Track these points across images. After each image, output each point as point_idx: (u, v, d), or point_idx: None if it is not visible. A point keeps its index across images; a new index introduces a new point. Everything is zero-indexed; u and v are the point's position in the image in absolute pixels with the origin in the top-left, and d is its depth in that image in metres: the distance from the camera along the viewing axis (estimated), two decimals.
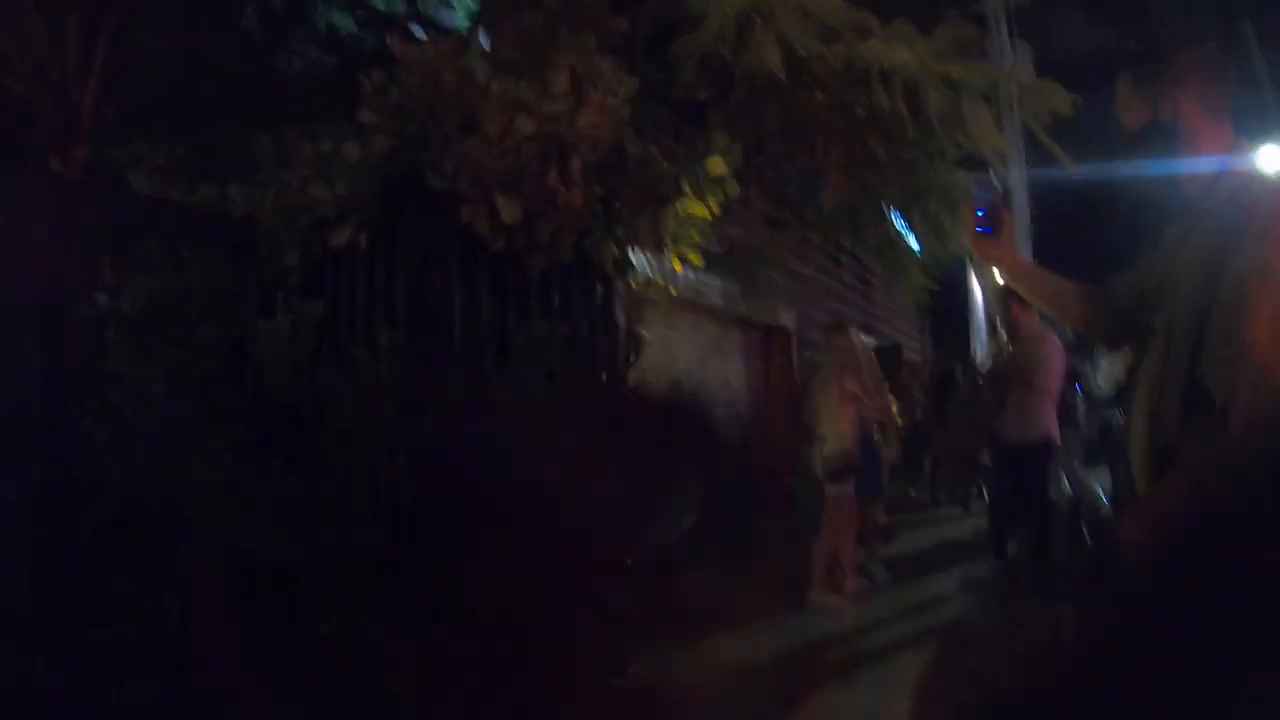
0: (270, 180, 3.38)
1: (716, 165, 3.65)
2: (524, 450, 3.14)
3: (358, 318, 3.39)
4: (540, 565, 3.30)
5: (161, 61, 4.34)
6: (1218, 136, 1.97)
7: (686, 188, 3.62)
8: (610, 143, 3.42)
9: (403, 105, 3.31)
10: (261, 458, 3.10)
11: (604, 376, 3.59)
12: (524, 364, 3.25)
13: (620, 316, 3.82)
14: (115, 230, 3.54)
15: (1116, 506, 2.08)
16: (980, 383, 9.69)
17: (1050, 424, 5.81)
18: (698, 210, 3.69)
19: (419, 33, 5.27)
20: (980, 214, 2.31)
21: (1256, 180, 1.94)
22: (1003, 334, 7.06)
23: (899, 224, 7.26)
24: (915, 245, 7.36)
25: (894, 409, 9.14)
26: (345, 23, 5.30)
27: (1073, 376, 6.24)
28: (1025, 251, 15.16)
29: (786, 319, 10.25)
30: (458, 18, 5.59)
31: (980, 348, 16.67)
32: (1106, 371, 6.48)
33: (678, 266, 4.03)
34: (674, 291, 4.53)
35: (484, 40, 4.33)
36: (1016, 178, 13.82)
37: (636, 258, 3.89)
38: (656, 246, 3.76)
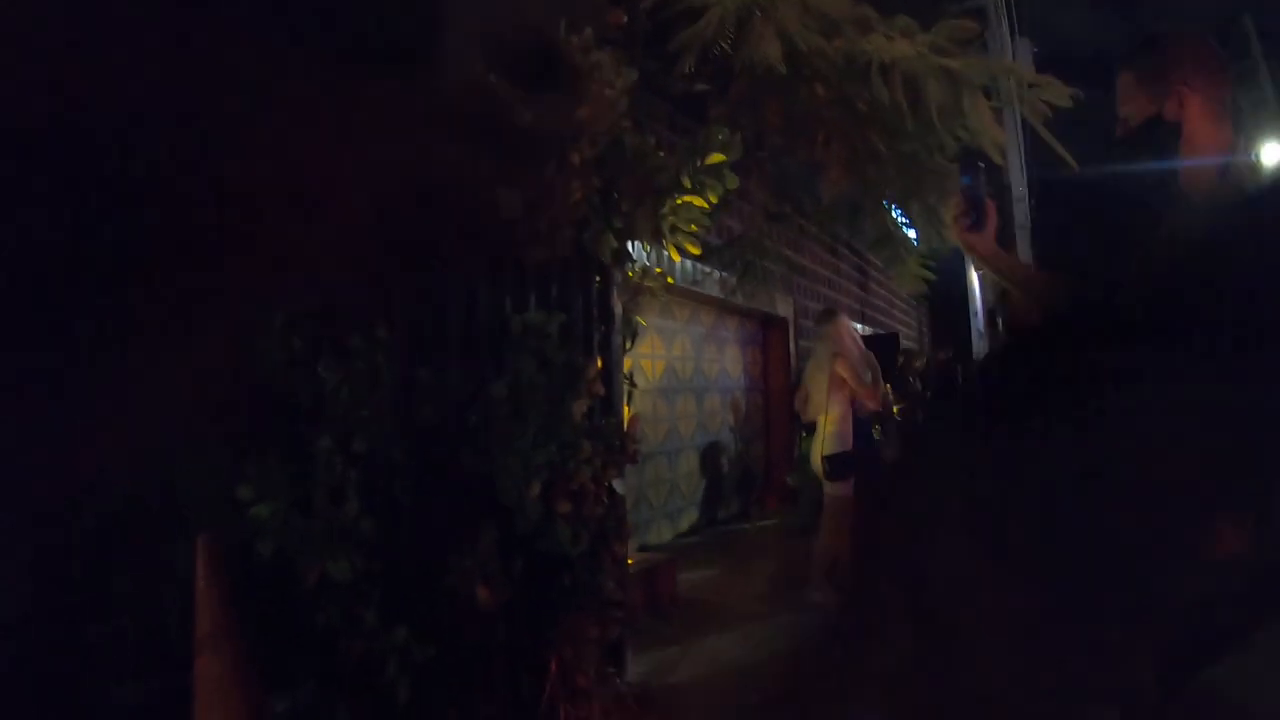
0: None
1: (715, 158, 3.66)
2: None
3: (356, 308, 3.39)
4: (539, 559, 3.31)
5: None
6: (1219, 134, 1.98)
7: (685, 180, 3.63)
8: (609, 135, 3.42)
9: None
10: (258, 450, 3.09)
11: (599, 365, 3.59)
12: (521, 353, 3.25)
13: (617, 306, 3.83)
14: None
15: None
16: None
17: None
18: (696, 202, 3.70)
19: None
20: (965, 204, 2.32)
21: (1257, 172, 1.95)
22: (1001, 326, 7.06)
23: (897, 216, 7.25)
24: (913, 237, 7.36)
25: (892, 402, 9.15)
26: None
27: None
28: (1025, 246, 15.16)
29: (784, 309, 10.26)
30: None
31: (979, 339, 16.68)
32: None
33: (675, 257, 4.04)
34: (671, 280, 4.54)
35: None
36: (1016, 173, 13.84)
37: (634, 248, 3.90)
38: (654, 238, 3.76)
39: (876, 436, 7.09)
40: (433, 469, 3.16)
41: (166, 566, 3.23)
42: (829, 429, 5.89)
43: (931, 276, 7.97)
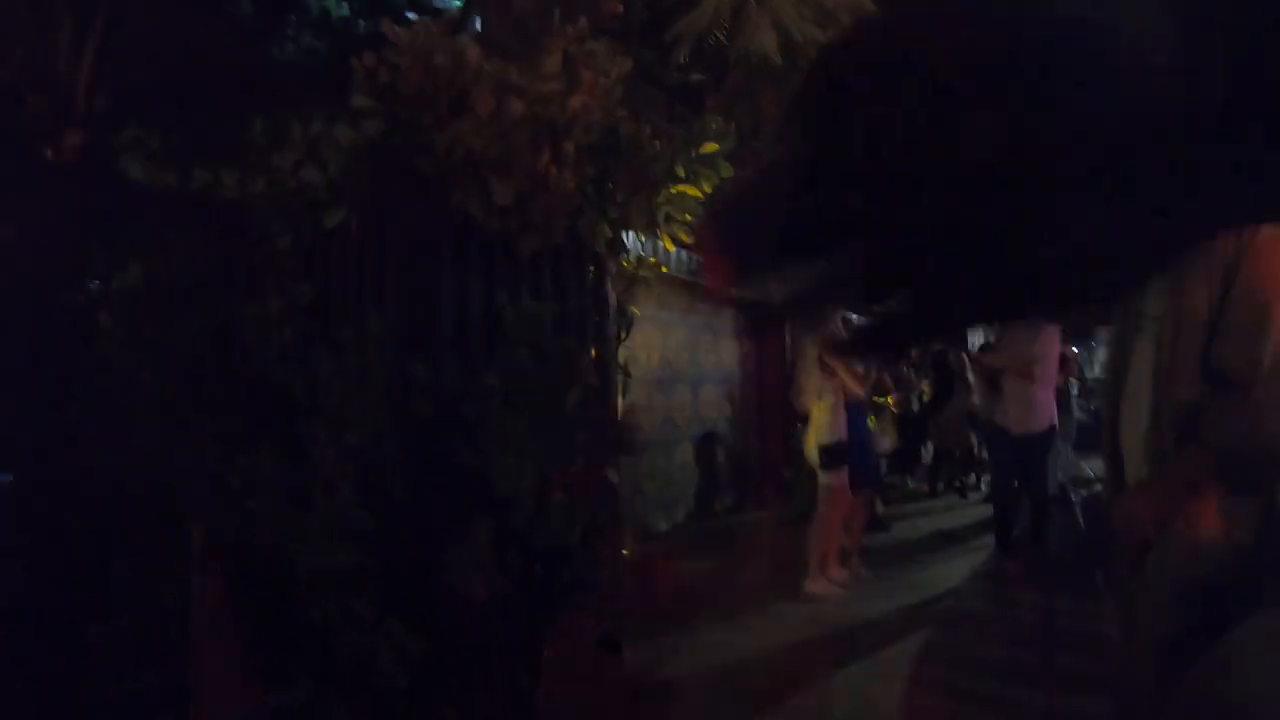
0: (262, 164, 3.37)
1: (710, 147, 3.65)
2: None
3: (349, 301, 3.39)
4: (534, 551, 3.30)
5: (154, 46, 4.32)
6: None
7: (680, 170, 3.62)
8: (603, 124, 3.41)
9: (394, 88, 3.29)
10: (252, 443, 3.09)
11: (594, 354, 3.58)
12: (514, 343, 3.24)
13: (611, 296, 3.82)
14: (106, 216, 3.54)
15: (1111, 492, 2.08)
16: (972, 369, 9.68)
17: (1052, 414, 5.84)
18: (691, 192, 3.69)
19: (412, 16, 5.25)
20: None
21: None
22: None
23: None
24: None
25: (889, 399, 9.14)
26: (338, 7, 5.28)
27: (1062, 363, 6.25)
28: None
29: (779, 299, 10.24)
30: (450, 0, 5.57)
31: (974, 331, 16.67)
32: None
33: (670, 247, 4.03)
34: (666, 270, 4.53)
35: (477, 22, 4.31)
36: None
37: (629, 238, 3.89)
38: (649, 227, 3.75)
39: (873, 427, 7.09)
40: (427, 461, 3.15)
41: (162, 560, 3.24)
42: (822, 419, 5.88)
43: None
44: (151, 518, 3.36)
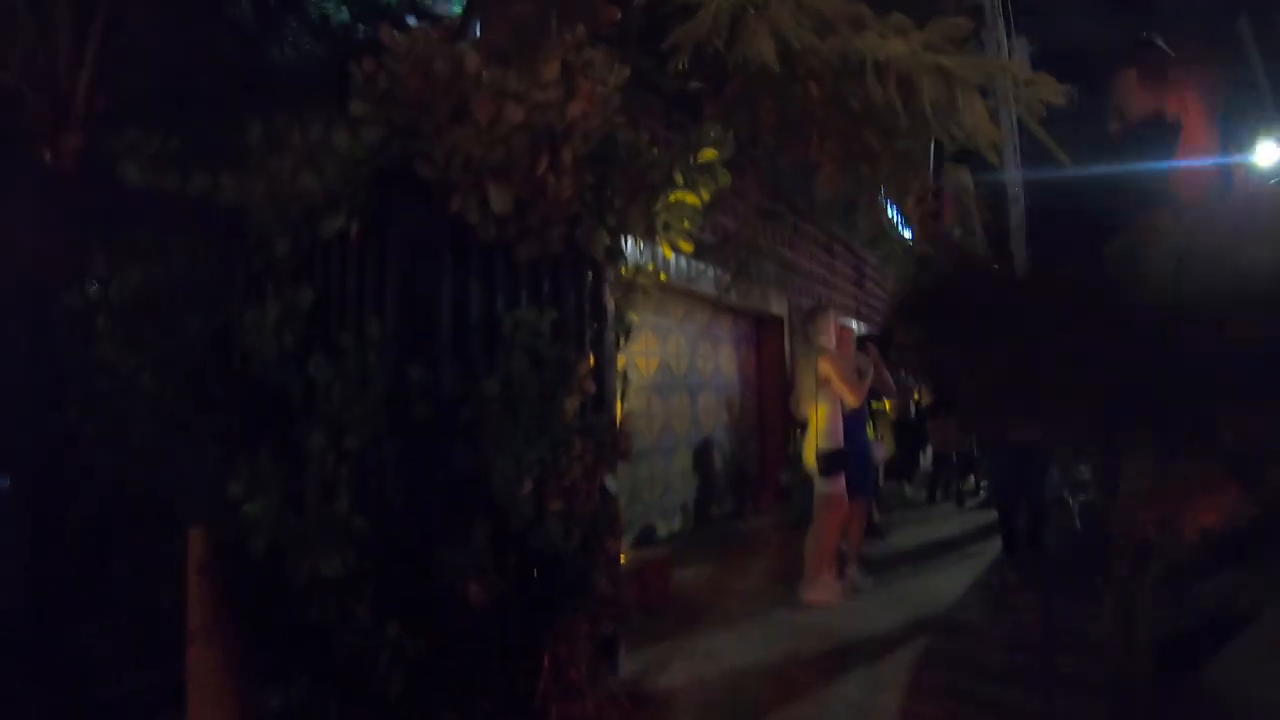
0: (261, 169, 3.38)
1: (708, 155, 3.66)
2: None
3: (347, 306, 3.40)
4: (531, 556, 3.31)
5: (154, 50, 4.33)
6: (1212, 138, 2.00)
7: (678, 177, 3.63)
8: (601, 132, 3.42)
9: (393, 94, 3.30)
10: (251, 446, 3.10)
11: (592, 361, 3.59)
12: (513, 350, 3.25)
13: (610, 302, 3.83)
14: (105, 219, 3.54)
15: (1107, 495, 2.09)
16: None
17: None
18: (689, 199, 3.70)
19: (412, 22, 5.26)
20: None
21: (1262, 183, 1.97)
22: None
23: (893, 214, 7.26)
24: (909, 235, 7.38)
25: (886, 404, 9.14)
26: (338, 12, 5.28)
27: None
28: (1019, 244, 15.17)
29: (778, 307, 10.26)
30: (451, 7, 5.57)
31: None
32: None
33: (668, 254, 4.05)
34: (664, 278, 4.54)
35: (476, 29, 4.32)
36: (1012, 172, 13.83)
37: (628, 245, 3.90)
38: (648, 235, 3.77)
39: (872, 436, 7.09)
40: (425, 466, 3.16)
41: (161, 562, 3.24)
42: (821, 426, 5.88)
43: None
44: (150, 520, 3.36)
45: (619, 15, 4.01)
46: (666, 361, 8.34)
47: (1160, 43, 2.04)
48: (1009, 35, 13.71)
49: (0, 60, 3.62)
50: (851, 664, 4.55)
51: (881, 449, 8.62)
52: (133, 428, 3.31)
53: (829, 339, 6.20)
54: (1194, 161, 1.98)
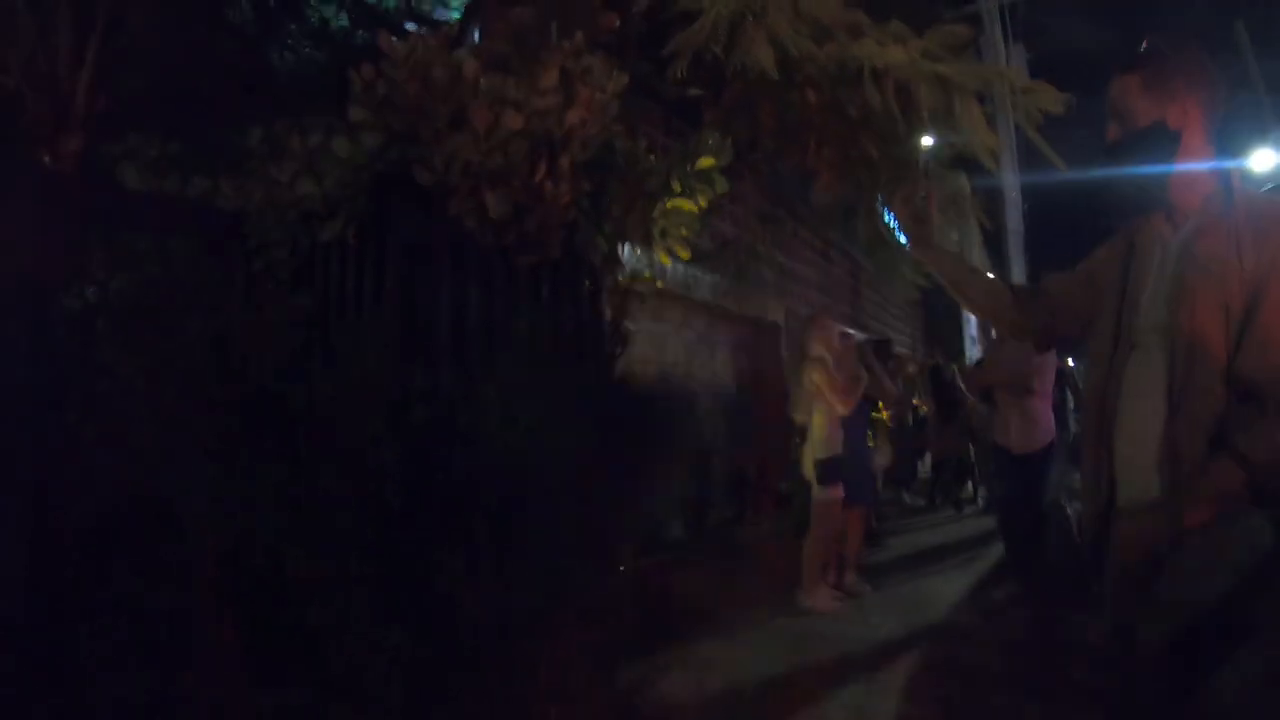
0: (260, 174, 3.39)
1: (706, 162, 3.67)
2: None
3: (346, 310, 3.40)
4: (526, 561, 3.31)
5: (154, 54, 4.34)
6: (1208, 143, 2.00)
7: (676, 184, 3.64)
8: (599, 139, 3.43)
9: (392, 100, 3.31)
10: (250, 451, 3.10)
11: (590, 368, 3.60)
12: (510, 356, 3.26)
13: (607, 309, 3.84)
14: (104, 222, 3.55)
15: (1102, 508, 2.08)
16: (963, 382, 9.67)
17: (1051, 430, 5.81)
18: (687, 206, 3.71)
19: (411, 28, 5.28)
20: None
21: (1262, 192, 1.97)
22: (993, 333, 7.04)
23: (890, 221, 7.27)
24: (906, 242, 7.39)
25: (884, 412, 9.14)
26: (337, 18, 5.31)
27: (1059, 378, 6.20)
28: (1018, 252, 15.22)
29: (776, 313, 10.26)
30: (450, 14, 5.59)
31: (972, 344, 16.74)
32: None
33: (665, 261, 4.05)
34: (661, 285, 4.55)
35: (475, 36, 4.34)
36: (1010, 178, 13.88)
37: (625, 252, 3.91)
38: (645, 241, 3.77)
39: (871, 444, 7.09)
40: (423, 471, 3.16)
41: (160, 565, 3.24)
42: (818, 434, 5.88)
43: (924, 281, 7.98)
44: (150, 525, 3.36)
45: (618, 22, 4.03)
46: (664, 368, 8.33)
47: (1165, 49, 2.04)
48: (1006, 42, 13.75)
49: (0, 62, 3.63)
50: (850, 671, 4.54)
51: (880, 456, 8.62)
52: (132, 432, 3.31)
53: (823, 346, 6.19)
54: (1191, 168, 1.98)
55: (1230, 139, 2.03)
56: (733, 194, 4.22)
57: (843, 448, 5.90)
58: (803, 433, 6.21)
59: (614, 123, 3.49)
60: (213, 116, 3.99)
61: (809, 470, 5.92)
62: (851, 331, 6.89)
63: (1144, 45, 2.12)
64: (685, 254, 3.93)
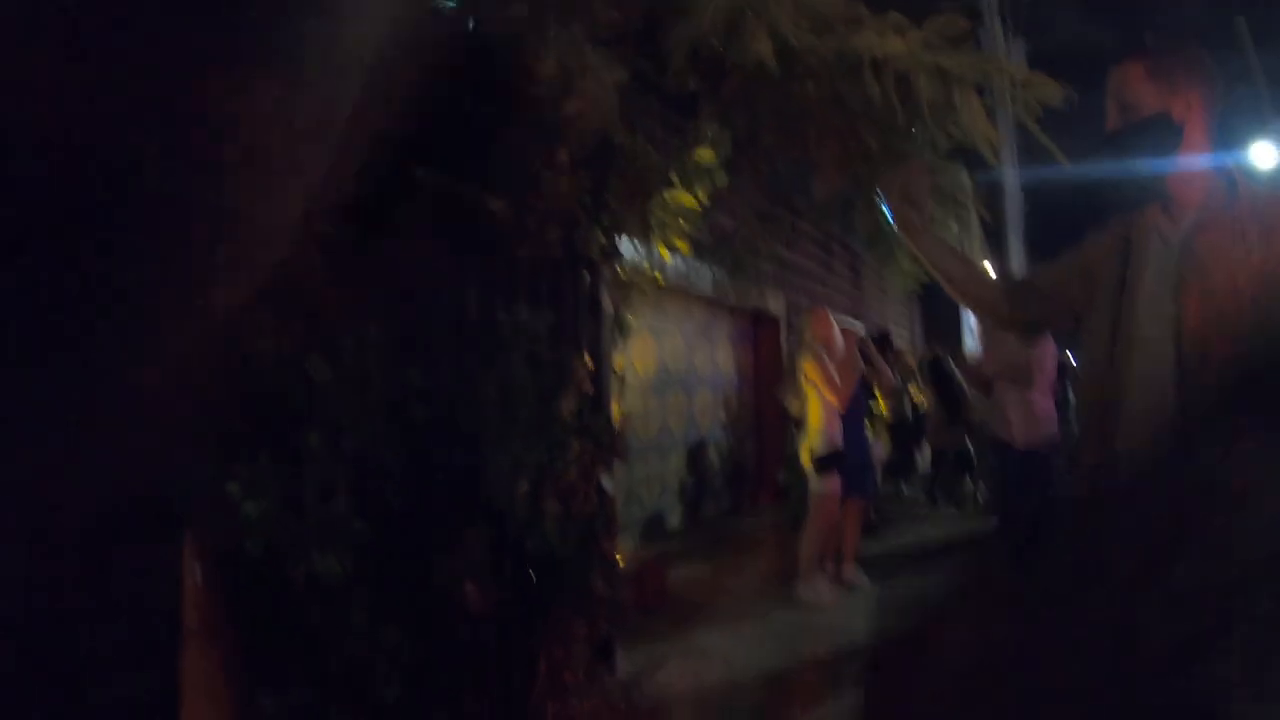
0: None
1: (705, 156, 3.66)
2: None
3: (345, 306, 3.39)
4: (528, 558, 3.30)
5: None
6: (1208, 138, 2.00)
7: (675, 178, 3.63)
8: (598, 133, 3.41)
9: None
10: (248, 448, 3.09)
11: (589, 362, 3.59)
12: (510, 351, 3.24)
13: (607, 303, 3.83)
14: None
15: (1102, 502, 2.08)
16: (961, 375, 9.65)
17: (1054, 422, 5.79)
18: (686, 200, 3.70)
19: None
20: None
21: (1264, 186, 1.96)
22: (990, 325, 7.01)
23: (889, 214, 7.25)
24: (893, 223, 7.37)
25: (882, 406, 9.14)
26: None
27: (1060, 370, 6.18)
28: (1019, 245, 15.22)
29: (776, 307, 10.25)
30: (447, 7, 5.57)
31: (971, 337, 16.75)
32: None
33: (665, 255, 4.05)
34: (661, 279, 4.54)
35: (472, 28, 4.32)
36: (1009, 172, 13.87)
37: (624, 245, 3.89)
38: (644, 235, 3.76)
39: (871, 437, 7.09)
40: (423, 468, 3.15)
41: (158, 564, 3.23)
42: (816, 426, 5.88)
43: (924, 275, 7.94)
44: (147, 522, 3.35)
45: (616, 15, 4.00)
46: (664, 361, 8.33)
47: (1171, 41, 2.03)
48: (1005, 36, 13.73)
49: None
50: (848, 664, 4.55)
51: (879, 448, 8.62)
52: (129, 429, 3.30)
53: (820, 338, 6.18)
54: (1192, 161, 1.98)
55: (1230, 134, 2.02)
56: (732, 187, 4.20)
57: (843, 441, 5.91)
58: (801, 425, 6.22)
59: (612, 116, 3.47)
60: None
61: (807, 462, 5.92)
62: (851, 323, 6.88)
63: (1152, 36, 2.12)
64: (685, 247, 3.92)
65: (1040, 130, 5.23)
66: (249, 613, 3.12)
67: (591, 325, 3.76)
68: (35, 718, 3.17)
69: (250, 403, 3.27)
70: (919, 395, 11.63)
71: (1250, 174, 2.02)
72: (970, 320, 16.68)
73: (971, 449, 10.38)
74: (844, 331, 6.60)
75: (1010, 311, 2.37)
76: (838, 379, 5.93)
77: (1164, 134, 1.97)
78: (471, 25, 4.16)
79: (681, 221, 3.77)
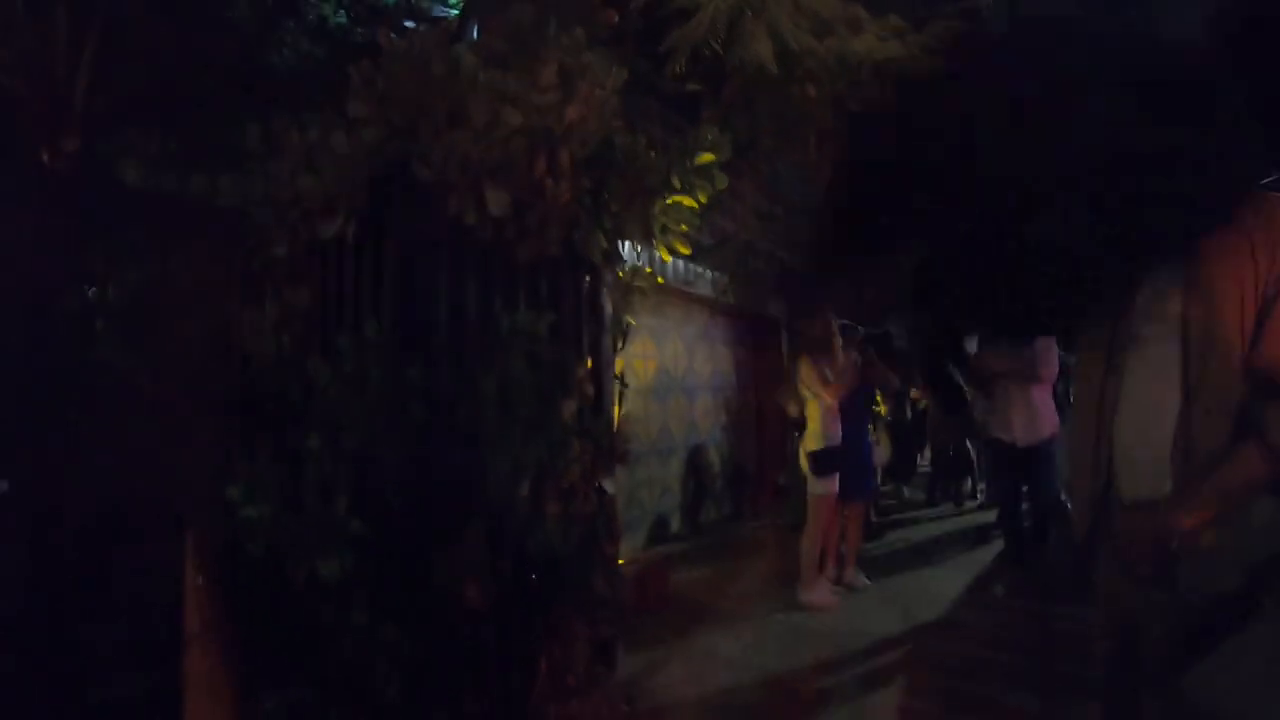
0: (259, 171, 3.38)
1: (705, 158, 3.67)
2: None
3: (345, 307, 3.40)
4: (528, 558, 3.31)
5: (152, 51, 4.32)
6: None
7: (675, 180, 3.63)
8: (599, 135, 3.42)
9: (390, 97, 3.30)
10: (249, 448, 3.10)
11: (589, 364, 3.60)
12: (510, 352, 3.25)
13: (607, 305, 3.83)
14: (103, 221, 3.54)
15: (1101, 503, 2.08)
16: (961, 375, 9.61)
17: (1055, 420, 5.77)
18: (686, 202, 3.70)
19: (410, 25, 5.26)
20: None
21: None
22: None
23: None
24: None
25: (882, 407, 9.13)
26: (335, 14, 5.28)
27: (1061, 370, 6.16)
28: None
29: (776, 308, 10.25)
30: (448, 10, 5.58)
31: (970, 335, 16.69)
32: None
33: (666, 257, 4.05)
34: (662, 280, 4.55)
35: (474, 32, 4.33)
36: None
37: (625, 248, 3.90)
38: (645, 238, 3.77)
39: (872, 438, 7.07)
40: (422, 468, 3.16)
41: (160, 564, 3.24)
42: (813, 427, 5.87)
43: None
44: (148, 522, 3.36)
45: (616, 18, 4.02)
46: (664, 363, 8.33)
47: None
48: None
49: None
50: (849, 665, 4.55)
51: (879, 450, 8.60)
52: (131, 430, 3.31)
53: (819, 341, 6.17)
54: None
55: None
56: (732, 190, 4.21)
57: (842, 441, 5.90)
58: (800, 426, 6.21)
59: (613, 119, 3.48)
60: (211, 114, 3.98)
61: (805, 463, 5.91)
62: (851, 325, 6.86)
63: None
64: (685, 250, 3.93)
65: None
66: (249, 612, 3.12)
67: (592, 327, 3.76)
68: (35, 718, 3.18)
69: (250, 403, 3.29)
70: (918, 396, 11.60)
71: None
72: None
73: (972, 449, 10.35)
74: (843, 330, 6.58)
75: None
76: (831, 377, 5.91)
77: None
78: None
79: (682, 224, 3.77)
